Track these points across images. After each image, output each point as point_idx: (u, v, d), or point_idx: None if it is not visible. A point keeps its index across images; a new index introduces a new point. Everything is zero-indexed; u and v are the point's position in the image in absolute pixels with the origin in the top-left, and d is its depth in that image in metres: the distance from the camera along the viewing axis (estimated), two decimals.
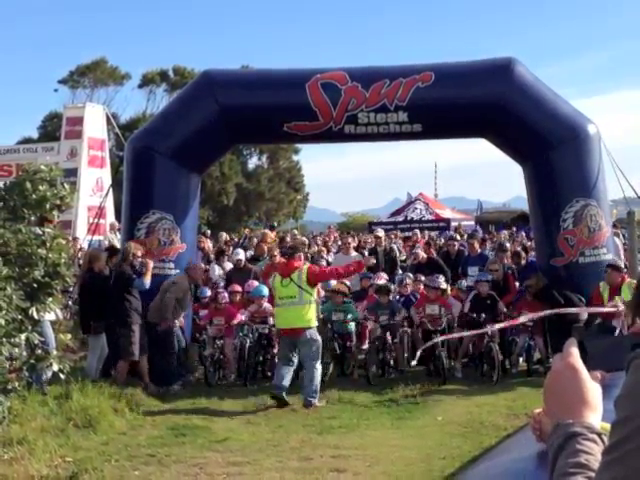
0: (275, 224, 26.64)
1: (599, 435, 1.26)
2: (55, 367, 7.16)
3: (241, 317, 10.56)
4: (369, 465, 6.93)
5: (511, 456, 3.25)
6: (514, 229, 23.51)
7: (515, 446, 3.27)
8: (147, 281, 9.68)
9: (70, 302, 11.38)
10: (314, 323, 9.38)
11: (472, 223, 28.23)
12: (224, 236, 18.50)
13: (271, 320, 10.38)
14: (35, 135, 40.71)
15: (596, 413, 1.31)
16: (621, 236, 14.89)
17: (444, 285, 10.92)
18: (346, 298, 11.08)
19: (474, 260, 12.17)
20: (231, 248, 15.85)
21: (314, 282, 9.44)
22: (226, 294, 10.87)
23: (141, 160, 10.94)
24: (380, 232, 15.61)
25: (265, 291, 10.53)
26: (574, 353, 1.36)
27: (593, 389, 1.33)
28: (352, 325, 10.89)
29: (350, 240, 15.27)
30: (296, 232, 22.31)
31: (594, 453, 1.22)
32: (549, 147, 10.53)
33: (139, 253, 9.88)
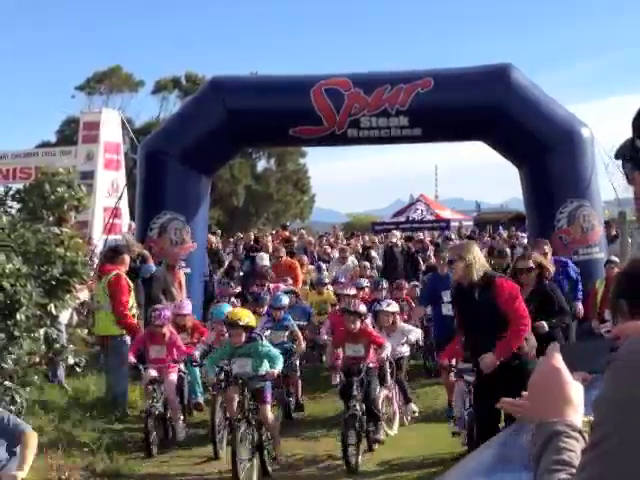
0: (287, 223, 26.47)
1: (580, 433, 1.28)
2: (71, 360, 7.22)
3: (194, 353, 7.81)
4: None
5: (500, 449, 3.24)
6: (513, 229, 23.49)
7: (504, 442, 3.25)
8: (151, 264, 9.69)
9: (88, 299, 11.41)
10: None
11: (471, 223, 28.21)
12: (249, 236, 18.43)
13: None
14: (53, 139, 40.72)
15: (578, 412, 1.33)
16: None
17: (364, 309, 7.43)
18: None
19: (447, 282, 7.74)
20: (240, 248, 15.82)
21: (110, 293, 8.27)
22: (167, 312, 7.88)
23: (153, 163, 11.00)
24: (396, 235, 14.72)
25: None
26: (557, 355, 1.38)
27: (575, 389, 1.35)
28: (290, 345, 8.44)
29: (346, 247, 14.93)
30: (303, 232, 22.31)
31: (576, 450, 1.24)
32: (544, 150, 10.52)
33: (137, 249, 9.85)
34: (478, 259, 5.74)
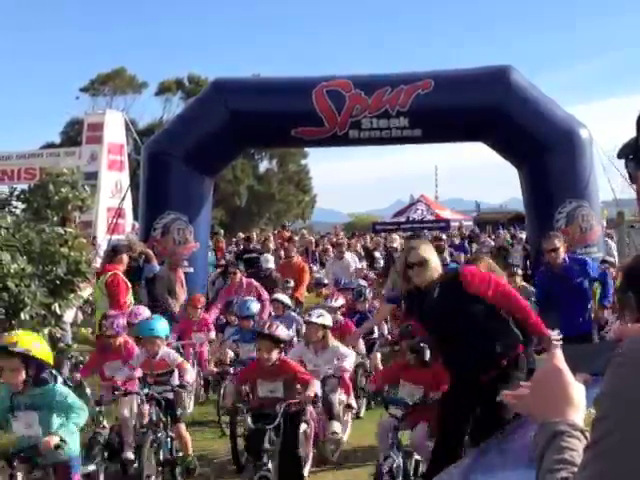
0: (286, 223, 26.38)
1: (582, 432, 1.28)
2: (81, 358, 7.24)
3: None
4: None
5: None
6: (512, 229, 23.52)
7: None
8: (155, 264, 9.65)
9: (91, 298, 11.40)
10: None
11: (471, 223, 28.24)
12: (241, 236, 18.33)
13: (178, 379, 5.99)
14: (58, 140, 40.80)
15: (579, 412, 1.34)
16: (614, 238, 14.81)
17: (286, 334, 5.60)
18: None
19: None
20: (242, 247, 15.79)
21: (108, 293, 7.81)
22: (121, 320, 6.49)
23: (157, 164, 11.01)
24: (396, 240, 13.55)
25: (159, 327, 5.97)
26: (558, 356, 1.38)
27: (576, 389, 1.36)
28: None
29: (342, 243, 14.45)
30: (305, 232, 22.34)
31: (578, 449, 1.25)
32: (544, 150, 10.52)
33: (139, 248, 9.81)
34: (435, 258, 4.96)
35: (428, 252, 4.88)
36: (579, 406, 1.34)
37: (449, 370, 5.04)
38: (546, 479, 1.23)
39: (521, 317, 4.81)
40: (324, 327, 6.37)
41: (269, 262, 10.97)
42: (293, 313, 8.84)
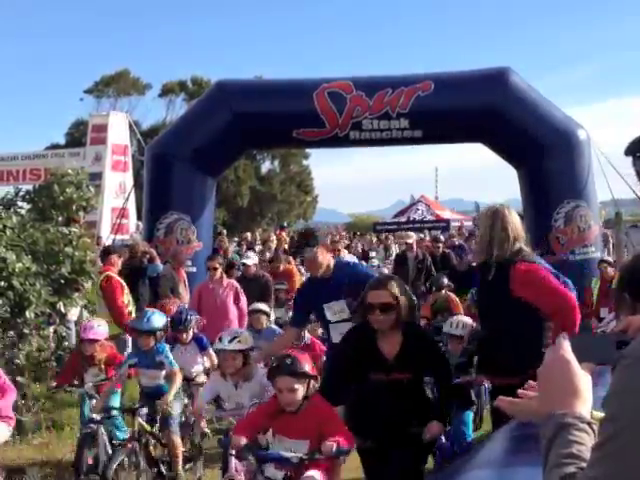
0: (285, 224, 26.29)
1: (589, 424, 1.24)
2: None
3: None
4: None
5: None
6: None
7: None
8: (158, 263, 9.62)
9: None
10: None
11: (470, 223, 28.20)
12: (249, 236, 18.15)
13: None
14: (62, 141, 40.75)
15: (586, 403, 1.30)
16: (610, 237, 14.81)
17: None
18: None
19: (333, 290, 4.89)
20: (244, 248, 15.78)
21: (103, 296, 7.52)
22: None
23: (160, 165, 11.01)
24: (411, 237, 12.52)
25: None
26: (565, 346, 1.33)
27: (583, 380, 1.31)
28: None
29: (338, 241, 14.22)
30: None
31: (585, 443, 1.21)
32: (542, 151, 10.52)
33: (142, 248, 9.78)
34: (500, 232, 4.14)
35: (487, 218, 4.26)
36: (587, 398, 1.30)
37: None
38: (553, 474, 1.19)
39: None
40: (241, 353, 4.72)
41: (249, 259, 9.62)
42: (275, 326, 7.49)
